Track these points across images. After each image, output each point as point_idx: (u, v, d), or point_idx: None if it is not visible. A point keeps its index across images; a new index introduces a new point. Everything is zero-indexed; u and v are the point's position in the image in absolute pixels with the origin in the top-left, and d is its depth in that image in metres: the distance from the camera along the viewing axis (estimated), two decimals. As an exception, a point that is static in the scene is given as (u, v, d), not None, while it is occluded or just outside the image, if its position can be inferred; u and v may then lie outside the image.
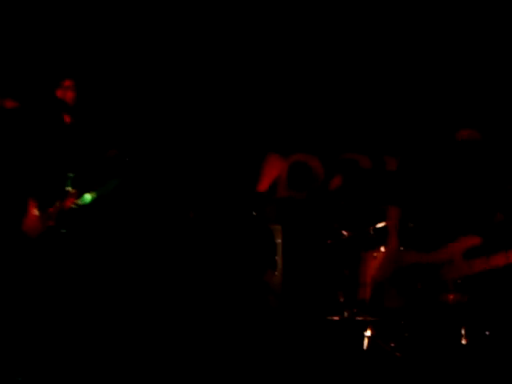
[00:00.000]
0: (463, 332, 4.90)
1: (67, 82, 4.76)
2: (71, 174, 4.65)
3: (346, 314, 5.68)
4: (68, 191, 4.63)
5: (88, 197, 4.69)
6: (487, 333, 5.04)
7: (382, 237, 5.80)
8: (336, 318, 5.72)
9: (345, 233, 6.06)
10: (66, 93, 4.74)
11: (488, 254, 4.42)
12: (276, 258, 6.32)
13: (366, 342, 5.16)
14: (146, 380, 4.51)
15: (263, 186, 7.25)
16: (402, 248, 4.80)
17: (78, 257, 4.62)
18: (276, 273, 6.30)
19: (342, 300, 5.80)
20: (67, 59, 5.91)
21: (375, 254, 5.68)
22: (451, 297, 4.52)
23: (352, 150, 7.28)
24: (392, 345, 5.12)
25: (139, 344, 5.10)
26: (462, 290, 4.50)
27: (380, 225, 5.82)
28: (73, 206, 4.61)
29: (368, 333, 5.17)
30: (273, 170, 7.29)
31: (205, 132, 6.79)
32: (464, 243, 4.51)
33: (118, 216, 5.54)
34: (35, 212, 4.55)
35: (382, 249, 5.66)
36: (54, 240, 4.53)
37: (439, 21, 6.49)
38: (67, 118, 4.75)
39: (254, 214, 6.43)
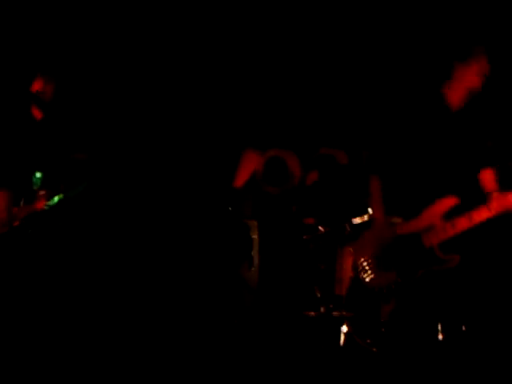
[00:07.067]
0: (440, 327, 4.91)
1: (43, 78, 4.64)
2: (39, 174, 4.52)
3: (322, 309, 5.67)
4: (37, 193, 4.50)
5: (56, 199, 4.59)
6: (463, 328, 5.06)
7: (358, 232, 5.80)
8: (312, 314, 5.72)
9: (321, 228, 6.06)
10: (42, 88, 4.60)
11: (469, 211, 4.23)
12: (252, 253, 6.31)
13: (342, 337, 5.15)
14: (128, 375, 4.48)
15: (239, 181, 7.21)
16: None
17: (43, 257, 4.52)
18: (252, 268, 6.29)
19: (318, 295, 5.79)
20: (47, 54, 5.78)
21: (351, 249, 5.67)
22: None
23: (329, 145, 7.27)
24: (368, 341, 5.11)
25: (117, 337, 5.06)
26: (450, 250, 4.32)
27: (356, 220, 5.82)
28: (45, 207, 4.50)
29: (344, 328, 5.16)
30: (249, 166, 7.26)
31: (180, 127, 6.75)
32: (442, 205, 4.35)
33: (87, 215, 5.47)
34: None
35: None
36: (20, 240, 4.41)
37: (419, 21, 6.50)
38: (38, 115, 4.60)
39: (230, 209, 6.41)
